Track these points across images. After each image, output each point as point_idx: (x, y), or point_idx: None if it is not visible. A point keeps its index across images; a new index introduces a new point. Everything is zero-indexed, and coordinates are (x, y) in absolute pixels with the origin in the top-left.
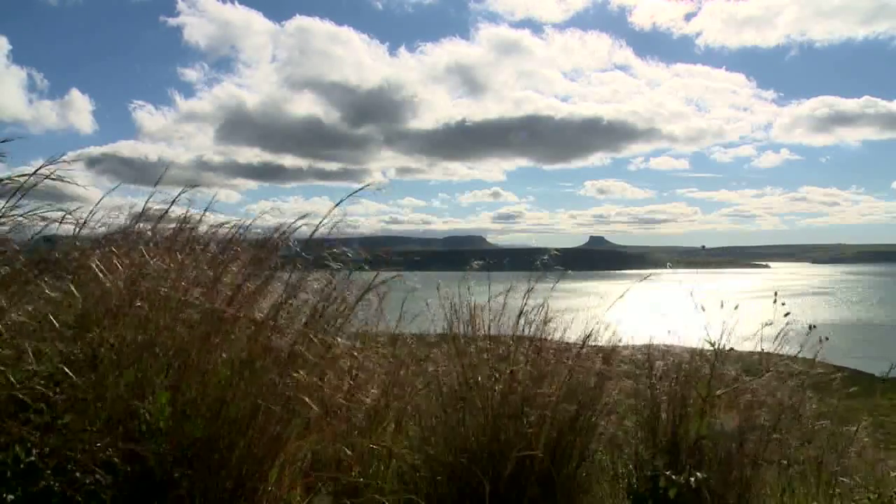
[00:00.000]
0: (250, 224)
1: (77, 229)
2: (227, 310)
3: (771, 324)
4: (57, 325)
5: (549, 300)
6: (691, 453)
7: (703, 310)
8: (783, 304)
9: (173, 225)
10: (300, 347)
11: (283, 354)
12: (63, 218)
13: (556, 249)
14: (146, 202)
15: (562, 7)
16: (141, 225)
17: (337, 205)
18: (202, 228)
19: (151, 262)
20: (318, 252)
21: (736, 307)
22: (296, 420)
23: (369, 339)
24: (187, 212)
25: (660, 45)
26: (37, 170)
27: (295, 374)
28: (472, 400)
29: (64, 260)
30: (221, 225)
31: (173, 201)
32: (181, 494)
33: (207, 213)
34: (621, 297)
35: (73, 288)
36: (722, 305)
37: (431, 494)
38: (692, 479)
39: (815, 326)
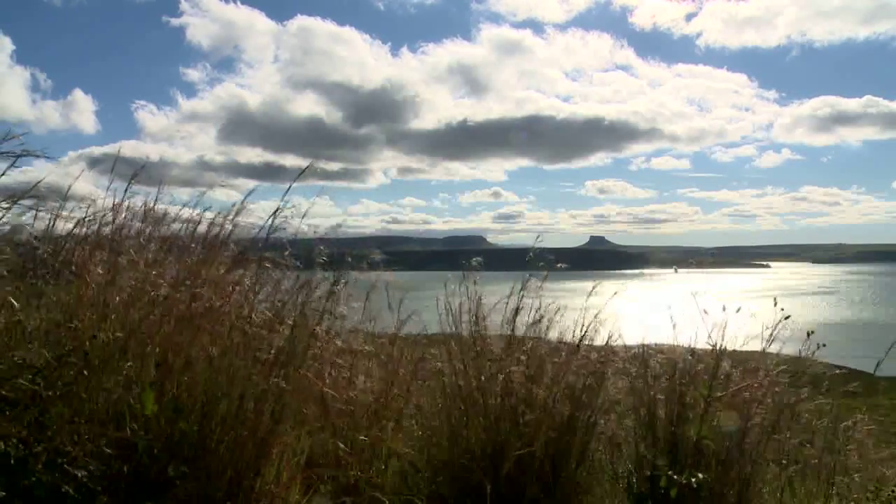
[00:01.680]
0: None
1: (74, 228)
2: (193, 303)
3: (774, 326)
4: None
5: (546, 299)
6: (691, 453)
7: (706, 312)
8: (782, 308)
9: (173, 224)
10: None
11: (269, 351)
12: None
13: (555, 249)
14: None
15: (564, 7)
16: (135, 223)
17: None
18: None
19: (134, 259)
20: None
21: (738, 310)
22: (286, 416)
23: (368, 338)
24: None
25: (661, 46)
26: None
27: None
28: (475, 400)
29: (57, 258)
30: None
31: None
32: (178, 494)
33: (205, 213)
34: (615, 293)
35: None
36: (724, 309)
37: (432, 493)
38: (693, 478)
39: (812, 332)
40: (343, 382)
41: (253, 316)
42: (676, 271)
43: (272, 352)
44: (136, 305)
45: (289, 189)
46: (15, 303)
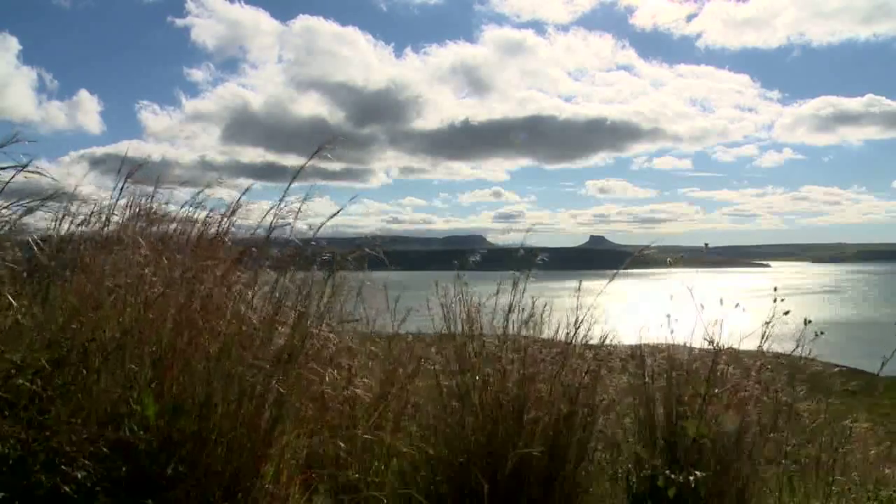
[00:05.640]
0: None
1: (74, 228)
2: (191, 301)
3: (783, 322)
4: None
5: (542, 298)
6: (690, 452)
7: (702, 307)
8: (783, 299)
9: (173, 224)
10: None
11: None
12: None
13: (555, 248)
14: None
15: (568, 8)
16: (135, 222)
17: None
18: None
19: (133, 258)
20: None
21: (737, 305)
22: (285, 416)
23: (367, 337)
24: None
25: (661, 46)
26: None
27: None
28: (470, 399)
29: (59, 258)
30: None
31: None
32: (177, 495)
33: (204, 212)
34: (600, 292)
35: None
36: (721, 302)
37: (431, 493)
38: (691, 477)
39: (810, 321)
40: (342, 382)
41: (252, 314)
42: (670, 263)
43: (272, 350)
44: (134, 304)
45: (289, 186)
46: (14, 303)
